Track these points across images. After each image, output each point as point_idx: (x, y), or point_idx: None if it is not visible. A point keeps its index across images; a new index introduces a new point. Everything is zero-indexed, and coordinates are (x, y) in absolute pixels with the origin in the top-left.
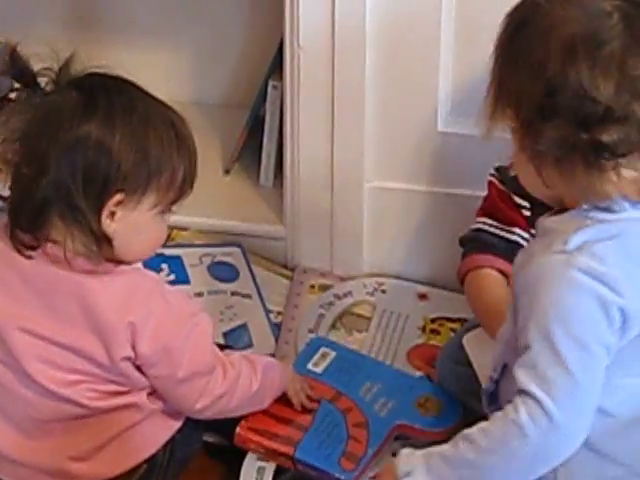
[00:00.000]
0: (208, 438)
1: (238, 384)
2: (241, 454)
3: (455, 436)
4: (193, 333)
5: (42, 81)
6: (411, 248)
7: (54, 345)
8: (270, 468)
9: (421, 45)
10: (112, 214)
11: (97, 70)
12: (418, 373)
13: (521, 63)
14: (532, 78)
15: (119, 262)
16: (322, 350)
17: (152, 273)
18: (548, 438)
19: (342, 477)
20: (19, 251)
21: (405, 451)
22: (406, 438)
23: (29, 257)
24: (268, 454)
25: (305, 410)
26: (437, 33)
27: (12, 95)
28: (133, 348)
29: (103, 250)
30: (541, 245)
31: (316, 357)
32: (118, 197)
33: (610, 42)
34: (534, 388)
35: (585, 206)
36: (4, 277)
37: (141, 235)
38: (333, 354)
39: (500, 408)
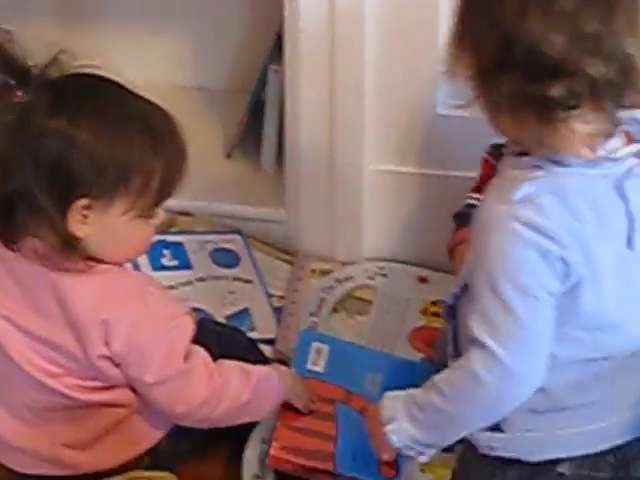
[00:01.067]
0: None
1: (225, 393)
2: (243, 439)
3: (427, 382)
4: (168, 337)
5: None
6: (411, 232)
7: (35, 338)
8: None
9: (420, 28)
10: (85, 217)
11: (83, 70)
12: (419, 355)
13: (480, 13)
14: (489, 29)
15: (102, 262)
16: (315, 345)
17: (137, 273)
18: (504, 384)
19: None
20: (4, 244)
21: (388, 395)
22: None
23: (14, 250)
24: (307, 472)
25: (324, 417)
26: (436, 16)
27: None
28: (107, 346)
29: (77, 250)
30: (493, 189)
31: (312, 354)
32: (83, 202)
33: None
34: (486, 337)
35: (538, 154)
36: None
37: (118, 239)
38: (327, 348)
39: (457, 323)
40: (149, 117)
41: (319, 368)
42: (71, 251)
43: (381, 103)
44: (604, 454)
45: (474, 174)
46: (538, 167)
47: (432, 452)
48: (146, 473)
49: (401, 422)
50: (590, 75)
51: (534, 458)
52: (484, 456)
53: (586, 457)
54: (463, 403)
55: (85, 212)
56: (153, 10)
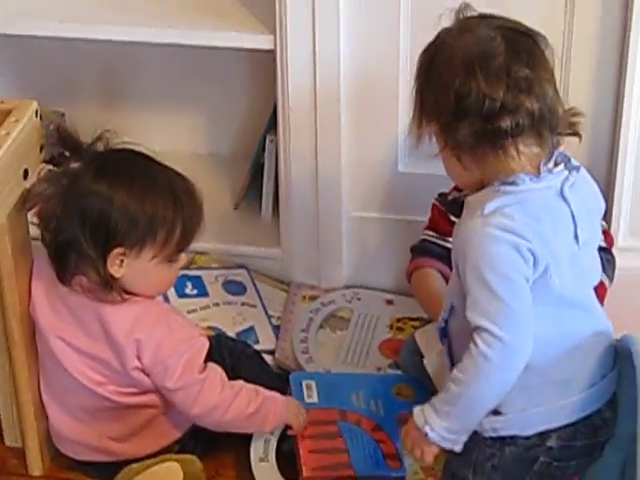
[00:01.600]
0: None
1: (234, 401)
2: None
3: (443, 384)
4: (186, 353)
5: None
6: (379, 264)
7: (84, 354)
8: (274, 439)
9: (384, 104)
10: (121, 262)
11: (122, 144)
12: (388, 360)
13: (435, 84)
14: (444, 92)
15: (135, 295)
16: (305, 383)
17: (163, 303)
18: (505, 356)
19: (399, 475)
20: (60, 281)
21: (416, 408)
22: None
23: (66, 285)
24: None
25: (333, 436)
26: (396, 93)
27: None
28: (139, 360)
29: (115, 287)
30: (466, 215)
31: (305, 391)
32: (119, 250)
33: (497, 57)
34: (482, 321)
35: (496, 183)
36: (51, 297)
37: (146, 279)
38: (313, 382)
39: (450, 340)
40: (172, 182)
41: (314, 400)
42: (110, 287)
43: (355, 163)
44: (578, 424)
45: (426, 218)
46: (497, 190)
47: (464, 439)
48: (175, 456)
49: (433, 419)
50: (528, 109)
51: (529, 432)
52: (483, 439)
53: (566, 428)
54: (479, 382)
55: (121, 258)
56: (173, 93)
